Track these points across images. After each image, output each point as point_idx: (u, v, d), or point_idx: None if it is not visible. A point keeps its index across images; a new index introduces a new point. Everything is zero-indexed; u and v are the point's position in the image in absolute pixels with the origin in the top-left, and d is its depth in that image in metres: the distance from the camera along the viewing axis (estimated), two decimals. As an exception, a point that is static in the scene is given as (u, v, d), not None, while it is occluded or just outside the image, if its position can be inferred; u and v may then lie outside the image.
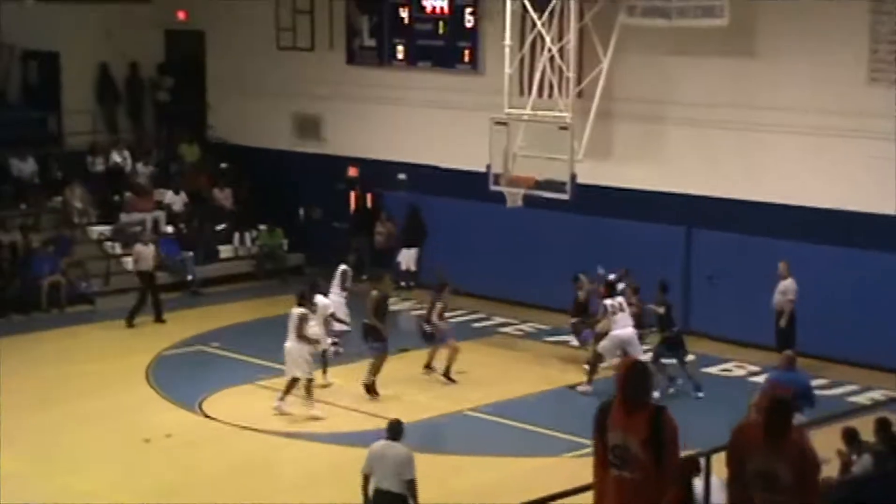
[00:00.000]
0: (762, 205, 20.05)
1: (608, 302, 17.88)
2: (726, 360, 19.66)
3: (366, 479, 11.78)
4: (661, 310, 17.98)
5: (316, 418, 16.70)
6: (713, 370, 19.37)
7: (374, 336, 17.59)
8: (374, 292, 17.75)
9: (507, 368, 19.02)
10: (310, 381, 16.86)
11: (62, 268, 22.68)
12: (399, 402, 17.01)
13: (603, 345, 17.91)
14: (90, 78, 26.74)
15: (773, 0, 18.71)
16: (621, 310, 17.83)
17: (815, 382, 16.02)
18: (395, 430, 11.95)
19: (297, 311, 17.07)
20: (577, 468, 14.89)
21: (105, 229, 24.45)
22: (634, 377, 7.17)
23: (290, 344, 16.92)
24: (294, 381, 16.87)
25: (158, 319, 21.66)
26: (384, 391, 17.60)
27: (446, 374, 18.13)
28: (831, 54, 19.18)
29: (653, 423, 6.99)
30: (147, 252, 21.88)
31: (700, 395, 17.83)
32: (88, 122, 26.14)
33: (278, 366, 18.65)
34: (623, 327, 17.77)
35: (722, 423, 14.81)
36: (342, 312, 19.08)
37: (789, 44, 19.58)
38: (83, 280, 23.07)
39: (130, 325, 21.42)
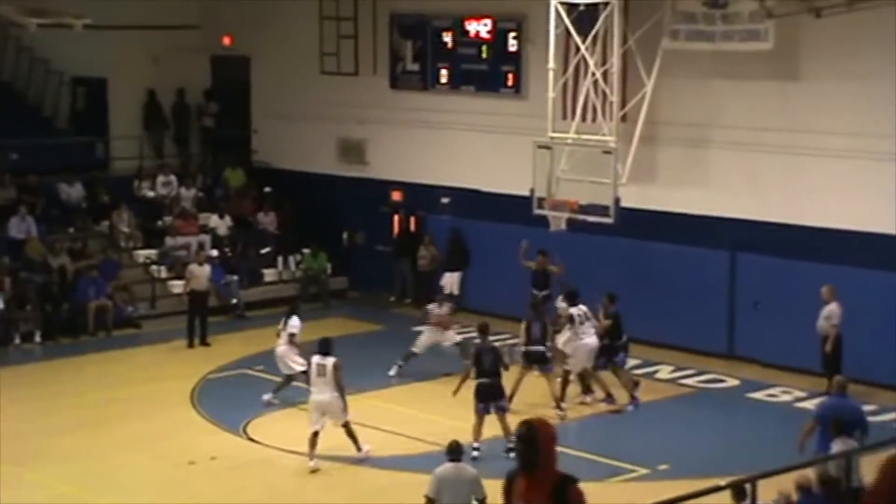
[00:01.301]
0: (807, 228, 19.90)
1: (574, 311, 18.01)
2: (772, 386, 19.48)
3: (430, 502, 11.75)
4: (608, 322, 18.12)
5: (314, 470, 15.56)
6: (759, 395, 19.21)
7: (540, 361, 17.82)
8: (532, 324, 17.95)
9: (549, 392, 18.92)
10: (346, 423, 15.85)
11: (109, 291, 22.88)
12: (439, 427, 16.89)
13: (572, 361, 18.00)
14: (137, 104, 27.09)
15: (817, 23, 18.59)
16: (587, 318, 18.04)
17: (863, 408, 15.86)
18: (458, 452, 12.05)
19: (332, 361, 15.64)
20: (624, 493, 14.86)
21: (151, 253, 24.69)
22: (523, 440, 6.33)
23: (329, 396, 15.53)
24: (317, 434, 15.57)
25: (203, 342, 21.82)
26: (425, 415, 17.62)
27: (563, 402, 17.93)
28: (876, 77, 19.03)
29: (555, 494, 6.17)
30: (201, 272, 22.04)
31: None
32: (135, 148, 26.42)
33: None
34: (590, 336, 17.95)
35: (767, 449, 14.84)
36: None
37: (834, 67, 19.46)
38: (129, 304, 23.28)
39: (191, 345, 21.66)
